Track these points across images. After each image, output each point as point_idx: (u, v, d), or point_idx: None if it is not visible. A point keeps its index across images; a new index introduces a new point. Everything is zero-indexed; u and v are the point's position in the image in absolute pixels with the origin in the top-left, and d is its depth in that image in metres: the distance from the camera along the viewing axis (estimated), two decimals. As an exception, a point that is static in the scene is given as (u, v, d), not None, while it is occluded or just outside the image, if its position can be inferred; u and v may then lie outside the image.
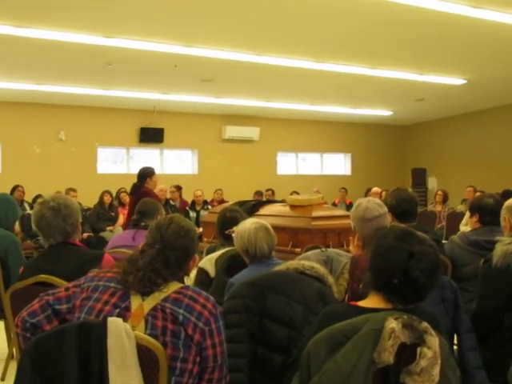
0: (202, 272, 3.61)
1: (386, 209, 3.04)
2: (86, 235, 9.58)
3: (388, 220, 3.03)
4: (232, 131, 14.59)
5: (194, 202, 11.13)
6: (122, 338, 1.85)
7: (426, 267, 1.85)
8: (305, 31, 8.02)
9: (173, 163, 14.55)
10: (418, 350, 1.70)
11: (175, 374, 1.97)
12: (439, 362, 1.70)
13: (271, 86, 11.55)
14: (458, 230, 8.09)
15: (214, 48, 8.61)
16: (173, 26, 7.69)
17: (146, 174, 6.43)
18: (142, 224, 4.26)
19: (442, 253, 3.75)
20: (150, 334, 1.96)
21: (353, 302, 2.04)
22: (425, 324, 1.74)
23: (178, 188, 11.53)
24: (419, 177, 16.35)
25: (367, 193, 13.12)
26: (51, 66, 9.54)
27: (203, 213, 10.65)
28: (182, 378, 1.98)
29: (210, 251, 3.93)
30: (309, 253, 3.78)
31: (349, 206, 13.16)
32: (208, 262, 3.61)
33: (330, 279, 2.69)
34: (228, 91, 12.05)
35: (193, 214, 10.86)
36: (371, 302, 1.94)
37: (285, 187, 13.90)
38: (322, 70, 10.00)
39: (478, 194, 9.22)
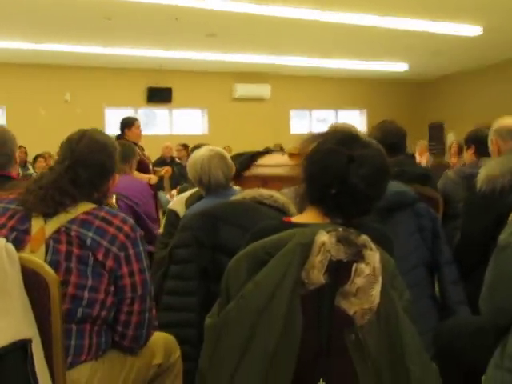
0: (172, 213, 3.35)
1: None
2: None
3: None
4: (243, 89, 14.24)
5: (200, 160, 10.84)
6: (2, 259, 1.57)
7: (367, 173, 1.54)
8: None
9: (182, 123, 14.24)
10: (354, 266, 1.40)
11: (82, 305, 1.71)
12: (380, 280, 1.40)
13: (278, 39, 11.14)
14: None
15: (215, -2, 8.24)
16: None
17: (124, 125, 6.01)
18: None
19: (434, 188, 3.43)
20: (50, 260, 1.70)
21: (286, 218, 1.74)
22: (364, 237, 1.45)
23: (185, 146, 11.22)
24: (437, 132, 15.88)
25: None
26: (48, 22, 9.26)
27: (210, 171, 10.38)
28: (91, 310, 1.72)
29: (181, 192, 3.66)
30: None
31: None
32: (178, 203, 3.35)
33: (292, 209, 2.39)
34: (235, 46, 11.67)
35: (199, 173, 10.59)
36: (306, 217, 1.64)
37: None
38: (330, 22, 9.58)
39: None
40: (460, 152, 10.04)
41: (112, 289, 1.77)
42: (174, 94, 13.48)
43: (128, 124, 6.04)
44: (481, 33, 10.67)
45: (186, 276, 2.29)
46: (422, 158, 10.51)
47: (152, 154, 10.02)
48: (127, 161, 4.03)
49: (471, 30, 10.55)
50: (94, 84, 12.72)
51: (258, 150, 12.15)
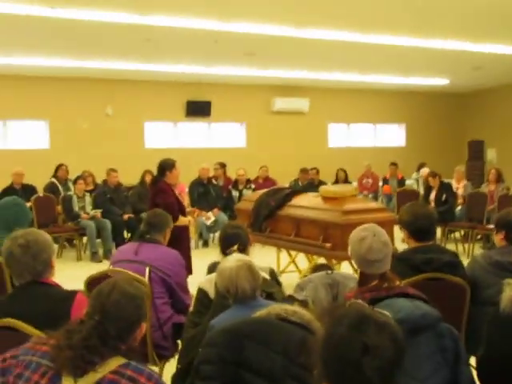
0: (202, 293, 3.40)
1: (390, 248, 2.69)
2: (126, 216, 9.57)
3: (389, 262, 2.69)
4: (281, 103, 14.26)
5: (236, 181, 10.92)
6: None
7: (382, 365, 1.57)
8: (347, 3, 7.56)
9: (220, 137, 14.34)
10: None
11: None
12: None
13: (317, 58, 11.18)
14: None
15: (254, 23, 8.29)
16: (210, 1, 7.40)
17: (165, 167, 6.13)
18: (147, 237, 4.07)
19: (462, 275, 3.43)
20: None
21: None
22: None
23: (222, 165, 11.32)
24: (477, 150, 15.62)
25: (419, 168, 12.64)
26: (91, 44, 9.49)
27: (246, 192, 10.46)
28: None
29: (211, 269, 3.72)
30: (313, 275, 3.52)
31: (400, 182, 12.73)
32: (208, 283, 3.40)
33: (317, 326, 2.43)
34: (273, 64, 11.72)
35: (235, 193, 10.68)
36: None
37: (336, 160, 13.59)
38: (371, 43, 9.55)
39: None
40: (499, 180, 9.96)
41: None
42: (213, 108, 13.58)
43: (170, 166, 6.16)
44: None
45: (209, 392, 2.35)
46: (460, 186, 10.41)
47: (191, 166, 10.17)
48: (161, 231, 4.11)
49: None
50: (135, 98, 12.92)
51: (296, 163, 12.39)
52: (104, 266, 8.41)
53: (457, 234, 9.96)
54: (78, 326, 1.94)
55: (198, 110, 13.50)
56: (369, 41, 9.38)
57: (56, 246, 2.93)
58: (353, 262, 2.82)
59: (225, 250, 3.56)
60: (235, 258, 2.83)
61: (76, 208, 9.38)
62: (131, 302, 2.01)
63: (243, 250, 3.57)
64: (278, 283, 3.73)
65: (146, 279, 3.68)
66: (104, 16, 7.67)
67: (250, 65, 11.63)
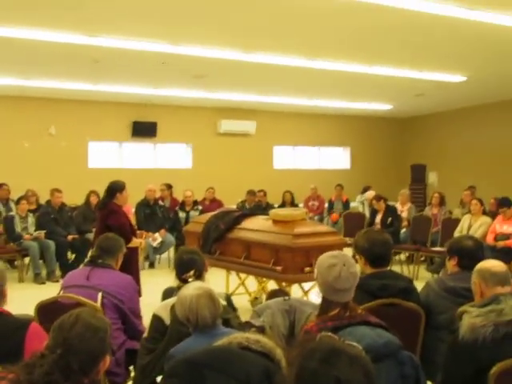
0: (157, 319, 3.34)
1: (357, 279, 2.70)
2: (71, 237, 9.37)
3: (353, 292, 2.70)
4: (228, 125, 14.30)
5: (183, 203, 10.85)
6: None
7: None
8: (296, 29, 7.65)
9: (166, 158, 14.24)
10: None
11: None
12: None
13: (265, 82, 11.25)
14: (452, 236, 7.81)
15: (202, 46, 8.29)
16: (158, 24, 7.37)
17: (115, 189, 6.05)
18: (99, 261, 3.98)
19: (416, 301, 3.48)
20: None
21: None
22: None
23: (169, 187, 11.24)
24: (419, 173, 15.99)
25: (364, 191, 12.85)
26: (36, 63, 9.29)
27: (193, 213, 10.40)
28: None
29: (166, 295, 3.66)
30: (270, 301, 3.50)
31: (345, 205, 12.91)
32: (163, 309, 3.34)
33: (279, 354, 2.41)
34: (221, 86, 11.75)
35: (182, 215, 10.60)
36: None
37: (281, 182, 13.64)
38: (317, 69, 9.69)
39: (474, 201, 8.85)
40: (441, 203, 10.23)
41: None
42: (159, 129, 13.49)
43: (120, 188, 6.09)
44: (464, 79, 10.83)
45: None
46: (404, 208, 10.62)
47: (137, 187, 10.00)
48: (113, 255, 4.03)
49: (455, 78, 10.71)
50: (79, 117, 12.71)
51: (242, 185, 12.38)
52: (47, 287, 8.22)
53: (401, 256, 10.13)
54: (39, 359, 1.86)
55: (144, 130, 13.37)
56: (315, 66, 9.50)
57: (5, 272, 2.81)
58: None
59: (180, 275, 3.52)
60: (195, 286, 2.79)
61: (18, 229, 9.13)
62: (95, 334, 1.96)
63: (199, 275, 3.54)
64: (234, 309, 3.70)
65: (99, 305, 3.59)
66: (50, 36, 7.52)
67: (198, 87, 11.62)
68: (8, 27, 7.14)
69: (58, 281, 8.38)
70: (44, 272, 9.04)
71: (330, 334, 1.94)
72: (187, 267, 3.49)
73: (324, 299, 2.74)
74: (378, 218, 9.81)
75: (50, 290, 3.92)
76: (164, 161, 14.15)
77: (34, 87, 11.01)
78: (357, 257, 3.60)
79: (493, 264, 2.95)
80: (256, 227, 6.42)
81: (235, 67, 9.67)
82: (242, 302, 6.46)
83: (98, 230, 5.88)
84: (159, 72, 10.09)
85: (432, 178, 15.88)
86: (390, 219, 9.62)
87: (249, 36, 8.01)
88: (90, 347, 1.93)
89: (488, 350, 2.50)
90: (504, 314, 2.61)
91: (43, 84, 10.77)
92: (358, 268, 2.83)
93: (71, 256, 9.57)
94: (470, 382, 2.54)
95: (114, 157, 13.65)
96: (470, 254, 3.51)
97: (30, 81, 10.52)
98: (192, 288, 2.77)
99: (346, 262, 2.66)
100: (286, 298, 3.50)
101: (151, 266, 10.05)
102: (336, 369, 1.58)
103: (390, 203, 10.18)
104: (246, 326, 3.27)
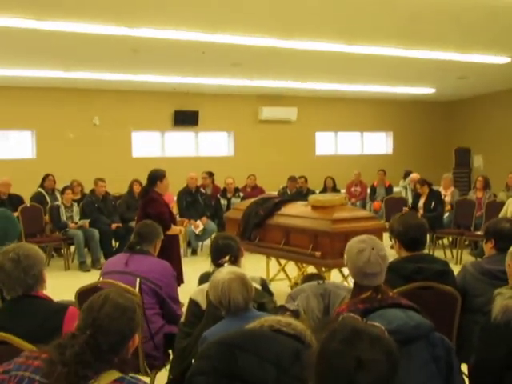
0: (193, 304, 3.41)
1: (387, 262, 2.70)
2: (114, 226, 9.55)
3: (384, 276, 2.69)
4: (269, 112, 14.27)
5: (225, 190, 10.92)
6: None
7: (376, 379, 1.57)
8: (336, 13, 7.55)
9: (208, 146, 14.34)
10: None
11: None
12: None
13: (304, 68, 11.19)
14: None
15: (241, 34, 8.30)
16: (197, 14, 7.40)
17: (156, 177, 6.16)
18: (138, 248, 4.06)
19: (452, 284, 3.45)
20: None
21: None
22: None
23: (210, 174, 11.33)
24: (463, 157, 15.71)
25: (406, 176, 12.71)
26: (77, 55, 9.43)
27: (235, 200, 10.48)
28: None
29: (202, 279, 3.71)
30: (305, 285, 3.53)
31: (388, 190, 12.79)
32: (200, 294, 3.40)
33: (309, 336, 2.43)
34: (260, 74, 11.75)
35: (224, 202, 10.69)
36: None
37: (323, 168, 13.60)
38: (356, 53, 9.59)
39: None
40: (486, 187, 10.04)
41: None
42: (201, 117, 13.58)
43: (160, 176, 6.19)
44: (509, 60, 10.58)
45: (204, 404, 2.34)
46: (447, 193, 10.48)
47: (179, 175, 10.11)
48: (151, 242, 4.11)
49: (500, 59, 10.46)
50: (122, 107, 12.89)
51: (283, 172, 12.40)
52: (92, 275, 8.41)
53: (445, 241, 10.01)
54: (70, 340, 1.92)
55: (186, 119, 13.48)
56: (355, 51, 9.41)
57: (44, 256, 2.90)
58: (348, 271, 2.83)
59: (216, 261, 3.57)
60: (227, 271, 2.83)
61: (64, 218, 9.36)
62: (123, 314, 2.00)
63: (235, 261, 3.58)
64: (269, 293, 3.73)
65: (137, 290, 3.67)
66: (91, 28, 7.62)
67: (237, 75, 11.65)
68: (52, 21, 7.26)
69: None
70: (89, 260, 9.27)
71: (352, 314, 1.96)
72: (222, 252, 3.54)
73: (355, 284, 2.75)
74: (421, 203, 9.70)
75: (95, 278, 4.01)
76: (206, 149, 14.26)
77: (77, 79, 11.19)
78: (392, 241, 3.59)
79: (527, 246, 2.91)
80: (295, 213, 6.44)
81: (272, 54, 9.63)
82: (282, 288, 6.49)
83: (138, 217, 5.99)
84: (199, 61, 10.13)
85: (477, 161, 15.59)
86: (433, 203, 9.51)
87: (285, 22, 7.96)
88: (119, 327, 1.98)
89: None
90: (537, 296, 2.57)
91: (86, 75, 10.95)
92: (388, 250, 2.82)
93: (115, 244, 9.76)
94: (502, 364, 2.52)
95: (157, 146, 13.82)
96: (506, 236, 3.46)
97: (72, 73, 10.71)
98: (225, 272, 2.81)
99: (374, 245, 2.66)
100: (321, 281, 3.51)
101: (194, 253, 10.17)
102: (357, 349, 1.59)
103: (434, 187, 10.06)
104: (280, 310, 3.30)
